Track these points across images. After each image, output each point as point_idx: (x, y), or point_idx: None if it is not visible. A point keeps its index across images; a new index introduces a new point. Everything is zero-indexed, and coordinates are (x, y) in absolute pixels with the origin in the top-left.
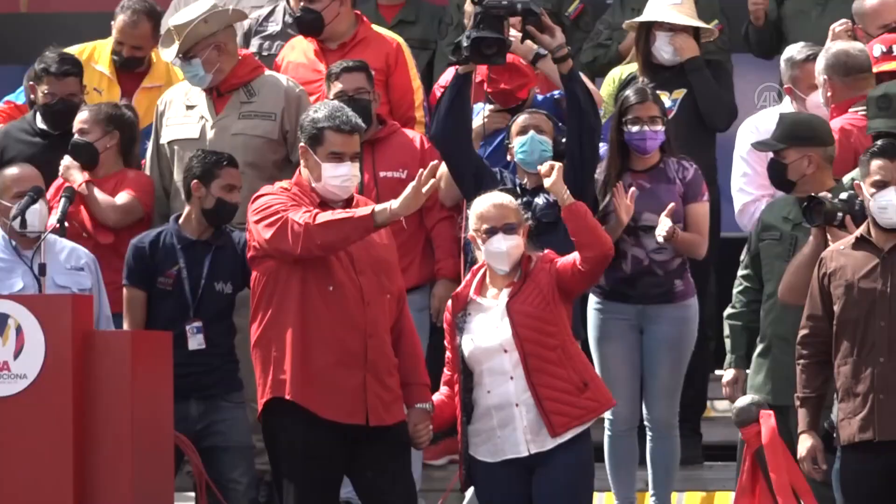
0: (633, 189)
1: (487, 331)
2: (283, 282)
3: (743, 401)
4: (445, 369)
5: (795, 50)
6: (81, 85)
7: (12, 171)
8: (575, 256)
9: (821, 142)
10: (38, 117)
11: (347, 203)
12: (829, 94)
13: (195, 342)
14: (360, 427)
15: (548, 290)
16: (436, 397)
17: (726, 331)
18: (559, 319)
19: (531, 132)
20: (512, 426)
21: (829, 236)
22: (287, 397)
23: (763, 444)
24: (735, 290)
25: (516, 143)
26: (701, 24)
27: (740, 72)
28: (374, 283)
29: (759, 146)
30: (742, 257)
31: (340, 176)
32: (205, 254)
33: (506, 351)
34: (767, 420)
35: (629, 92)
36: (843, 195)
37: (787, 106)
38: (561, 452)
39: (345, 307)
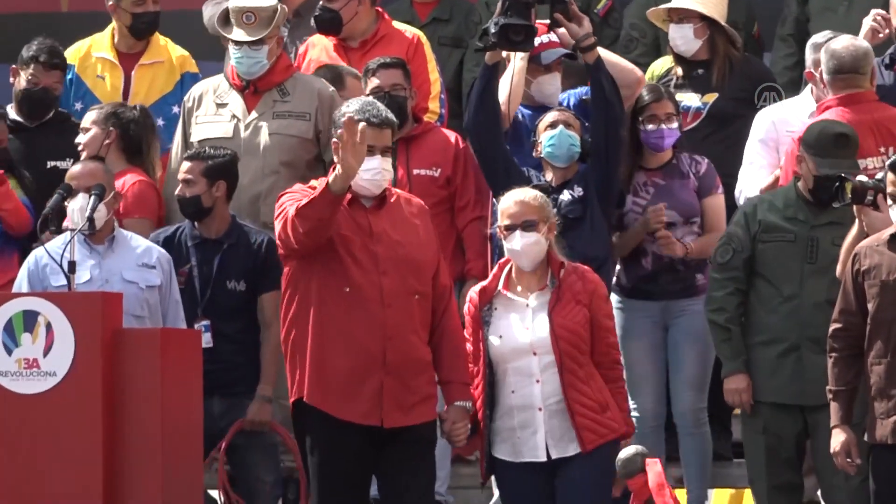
0: (661, 204)
1: (517, 330)
2: (303, 282)
3: (627, 451)
4: None
5: (820, 35)
6: (63, 82)
7: (76, 168)
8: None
9: None
10: (10, 110)
11: (381, 199)
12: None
13: (202, 341)
14: (382, 428)
15: (584, 313)
16: None
17: (723, 335)
18: (588, 341)
19: (560, 126)
20: (532, 429)
21: (861, 217)
22: (305, 399)
23: (652, 490)
24: (721, 293)
25: (544, 137)
26: (712, 13)
27: None
28: (399, 283)
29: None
30: (722, 259)
31: (371, 169)
32: (215, 252)
33: (535, 353)
34: (654, 467)
35: (643, 91)
36: (879, 175)
37: (808, 94)
38: (583, 456)
39: (363, 309)
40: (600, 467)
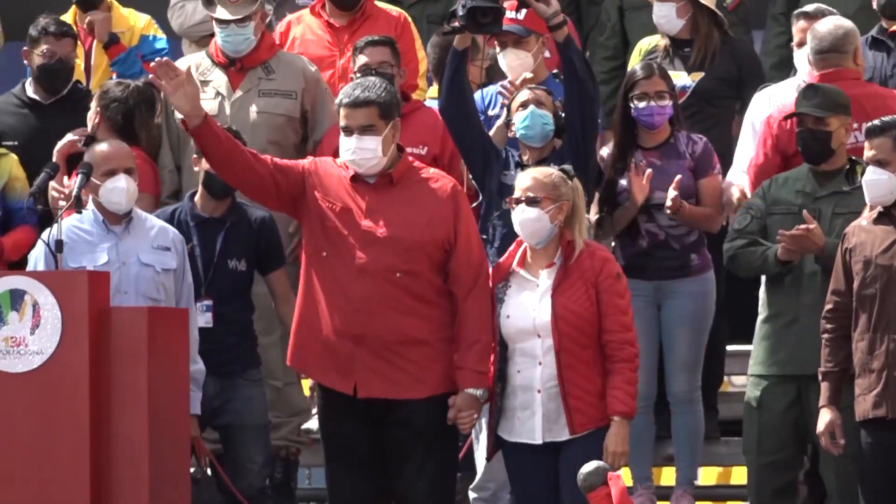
0: (648, 171)
1: (525, 311)
2: (304, 252)
3: (589, 466)
4: None
5: (809, 6)
6: (75, 49)
7: (102, 147)
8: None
9: (849, 111)
10: (29, 87)
11: (389, 176)
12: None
13: (203, 320)
14: (377, 406)
15: (591, 293)
16: None
17: (752, 252)
18: (597, 323)
19: (531, 107)
20: (531, 410)
21: None
22: (288, 362)
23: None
24: (737, 243)
25: (517, 118)
26: None
27: None
28: (380, 258)
29: (808, 112)
30: (739, 226)
31: (347, 150)
32: (218, 231)
33: (539, 336)
34: (616, 482)
35: (636, 67)
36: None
37: (801, 74)
38: (581, 441)
39: (335, 280)
40: (598, 448)
